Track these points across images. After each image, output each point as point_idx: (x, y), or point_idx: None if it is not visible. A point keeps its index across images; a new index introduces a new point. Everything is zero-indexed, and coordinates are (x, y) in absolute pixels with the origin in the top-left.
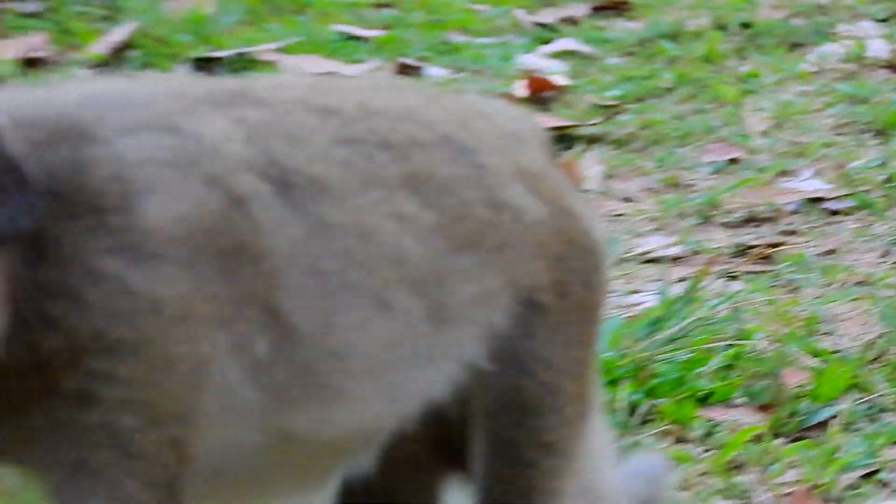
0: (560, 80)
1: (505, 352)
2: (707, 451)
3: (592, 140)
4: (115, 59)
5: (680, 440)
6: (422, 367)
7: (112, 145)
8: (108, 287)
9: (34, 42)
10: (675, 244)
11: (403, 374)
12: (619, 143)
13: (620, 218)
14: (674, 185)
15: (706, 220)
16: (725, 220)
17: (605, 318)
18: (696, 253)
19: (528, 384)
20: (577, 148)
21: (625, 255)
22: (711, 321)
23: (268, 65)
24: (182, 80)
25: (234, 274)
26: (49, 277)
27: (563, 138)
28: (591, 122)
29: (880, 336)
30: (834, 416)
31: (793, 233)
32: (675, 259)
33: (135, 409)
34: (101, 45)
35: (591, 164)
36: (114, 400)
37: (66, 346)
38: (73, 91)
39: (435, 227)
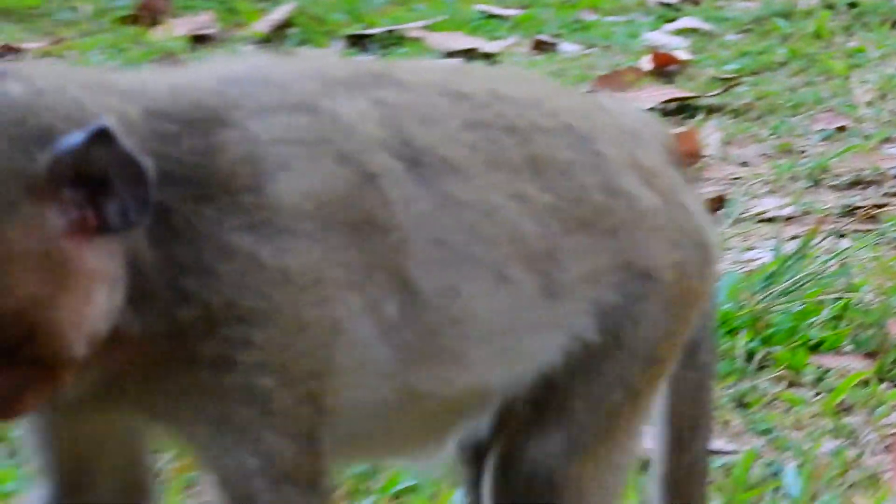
0: (682, 54)
1: (613, 325)
2: (818, 394)
3: (712, 110)
4: (276, 36)
5: (793, 384)
6: (535, 336)
7: (244, 128)
8: (240, 261)
9: (202, 20)
10: (787, 205)
11: (517, 341)
12: (737, 113)
13: (738, 181)
14: (786, 151)
15: (816, 183)
16: (834, 182)
17: (724, 274)
18: (806, 213)
19: (628, 357)
20: (698, 117)
21: (742, 216)
22: (822, 276)
23: (415, 41)
24: (325, 61)
25: (365, 243)
26: (184, 255)
27: (686, 109)
28: (711, 94)
29: None
30: None
31: None
32: (788, 219)
33: (271, 370)
34: (263, 24)
35: (710, 132)
36: (250, 363)
37: (201, 317)
38: (213, 74)
39: (552, 208)
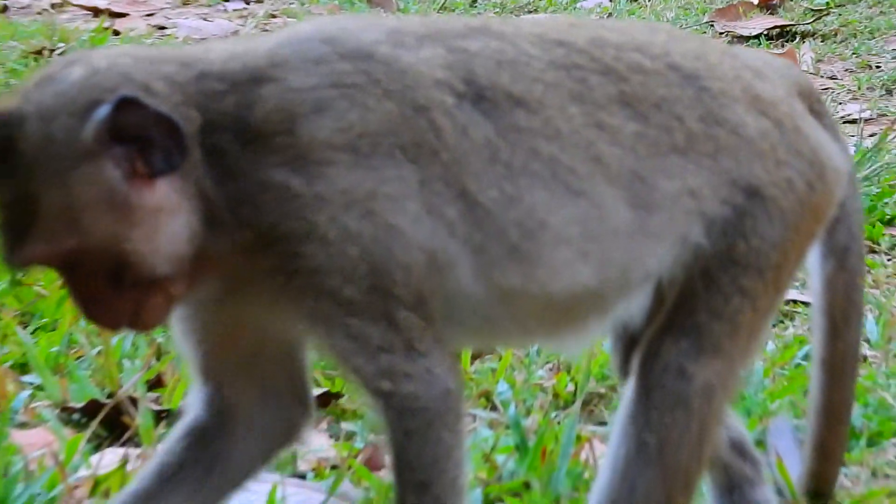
0: None
1: (724, 237)
2: (890, 259)
3: (806, 35)
4: None
5: (871, 251)
6: (634, 244)
7: (283, 81)
8: (275, 192)
9: None
10: (866, 109)
11: (609, 248)
12: (825, 37)
13: (827, 91)
14: (865, 66)
15: (889, 92)
16: None
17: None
18: (882, 115)
19: (742, 267)
20: (795, 41)
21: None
22: (894, 165)
23: None
24: (414, 18)
25: (417, 163)
26: (235, 190)
27: (785, 34)
28: (805, 22)
29: None
30: None
31: None
32: (867, 120)
33: (329, 272)
34: None
35: (805, 53)
36: (306, 269)
37: (255, 238)
38: (278, 38)
39: (637, 135)
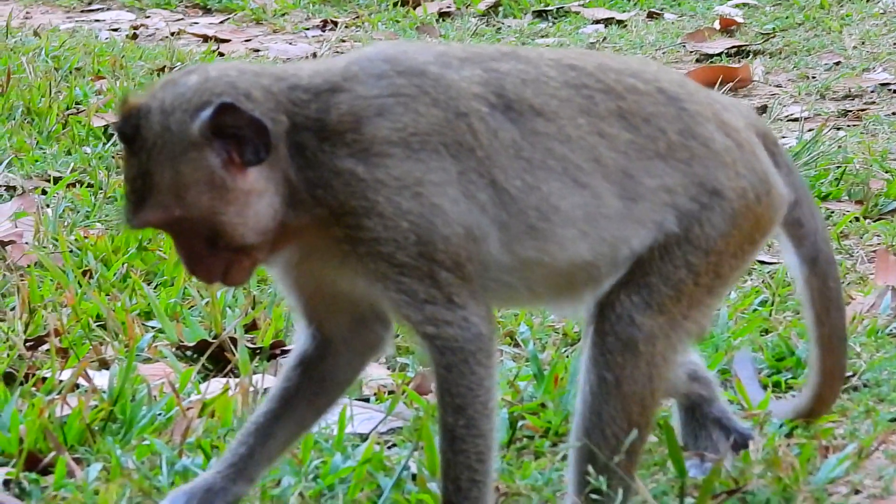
0: (739, 19)
1: (687, 224)
2: (826, 227)
3: (757, 53)
4: (490, 12)
5: None
6: (620, 227)
7: (353, 91)
8: (345, 177)
9: (446, 2)
10: (805, 110)
11: (603, 229)
12: (773, 55)
13: (774, 96)
14: (804, 77)
15: (822, 96)
16: (834, 96)
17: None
18: (817, 115)
19: (692, 247)
20: (749, 58)
21: (777, 117)
22: (827, 153)
23: (575, 14)
24: (457, 45)
25: (456, 157)
26: (313, 175)
27: (741, 52)
28: (757, 43)
29: None
30: None
31: (873, 103)
32: (806, 119)
33: (384, 242)
34: (482, 4)
35: (757, 67)
36: (367, 239)
37: (328, 213)
38: (350, 58)
39: (630, 142)
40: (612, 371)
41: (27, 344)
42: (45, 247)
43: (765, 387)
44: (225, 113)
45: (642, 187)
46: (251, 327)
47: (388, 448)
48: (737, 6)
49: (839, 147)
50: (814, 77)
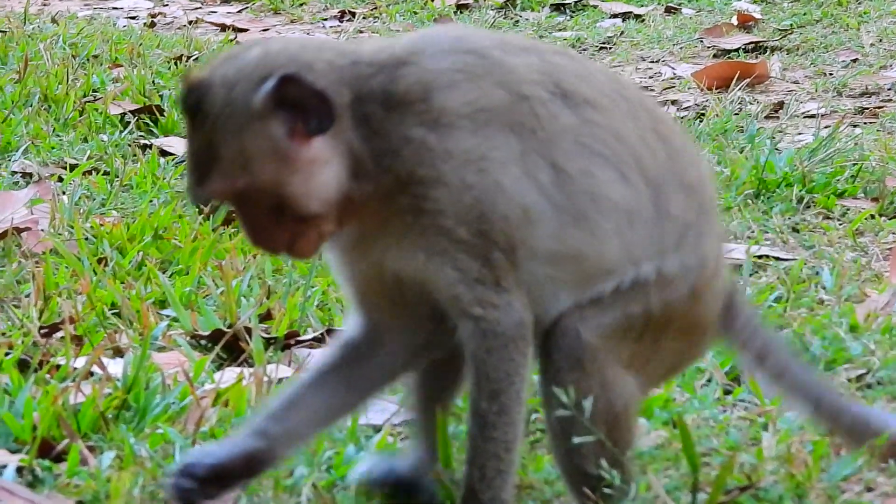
0: (757, 15)
1: (674, 274)
2: (842, 224)
3: (775, 49)
4: (510, 4)
5: (827, 217)
6: (650, 237)
7: (421, 64)
8: (415, 146)
9: None
10: (822, 107)
11: (636, 232)
12: (790, 51)
13: (791, 93)
14: (821, 74)
15: (839, 93)
16: (851, 93)
17: (784, 150)
18: (833, 112)
19: (655, 301)
20: (767, 54)
21: (794, 113)
22: (844, 150)
23: (593, 7)
24: (516, 35)
25: (519, 137)
26: (381, 145)
27: (759, 48)
28: (774, 39)
29: None
30: None
31: (890, 100)
32: (823, 115)
33: (447, 214)
34: None
35: (774, 63)
36: (432, 210)
37: (396, 182)
38: (416, 35)
39: (666, 161)
40: (566, 388)
41: (42, 331)
42: (60, 234)
43: None
44: (288, 83)
45: (670, 208)
46: (266, 317)
47: (402, 440)
48: (755, 2)
49: (855, 144)
50: (831, 74)
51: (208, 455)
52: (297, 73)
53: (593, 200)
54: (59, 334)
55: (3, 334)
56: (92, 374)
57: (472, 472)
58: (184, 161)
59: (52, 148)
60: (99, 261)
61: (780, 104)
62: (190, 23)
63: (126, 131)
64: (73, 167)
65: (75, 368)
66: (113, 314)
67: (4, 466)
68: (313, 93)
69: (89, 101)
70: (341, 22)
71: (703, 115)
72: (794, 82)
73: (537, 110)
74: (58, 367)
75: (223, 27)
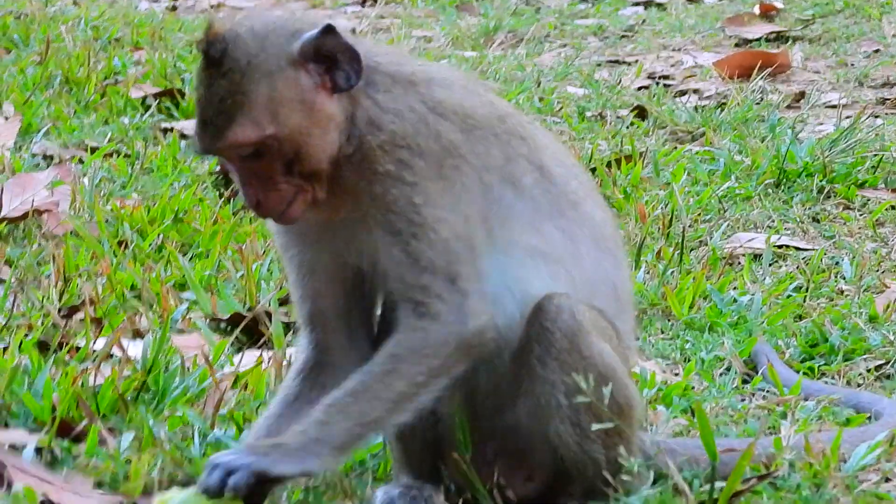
0: (778, 4)
1: None
2: (862, 214)
3: (796, 39)
4: None
5: (847, 208)
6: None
7: (423, 63)
8: (414, 117)
9: None
10: (843, 97)
11: (581, 254)
12: (812, 41)
13: (813, 83)
14: (843, 64)
15: (861, 84)
16: (872, 84)
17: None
18: (855, 102)
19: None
20: (788, 43)
21: (815, 103)
22: (864, 141)
23: None
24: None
25: (506, 144)
26: (376, 112)
27: (781, 38)
28: (796, 29)
29: None
30: None
31: None
32: (844, 106)
33: (419, 191)
34: None
35: (796, 53)
36: (408, 181)
37: (384, 141)
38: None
39: None
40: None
41: (61, 312)
42: (81, 216)
43: (796, 372)
44: (327, 35)
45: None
46: (285, 301)
47: None
48: None
49: (876, 135)
50: (852, 64)
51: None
52: (336, 27)
53: (569, 202)
54: (79, 316)
55: (24, 315)
56: (111, 355)
57: (313, 415)
58: None
59: (73, 130)
60: (119, 243)
61: (802, 94)
62: (212, 6)
63: (147, 114)
64: (93, 150)
65: (95, 350)
66: (133, 296)
67: (24, 446)
68: (346, 48)
69: (110, 84)
70: (363, 7)
71: (724, 104)
72: (816, 72)
73: (520, 127)
74: (77, 348)
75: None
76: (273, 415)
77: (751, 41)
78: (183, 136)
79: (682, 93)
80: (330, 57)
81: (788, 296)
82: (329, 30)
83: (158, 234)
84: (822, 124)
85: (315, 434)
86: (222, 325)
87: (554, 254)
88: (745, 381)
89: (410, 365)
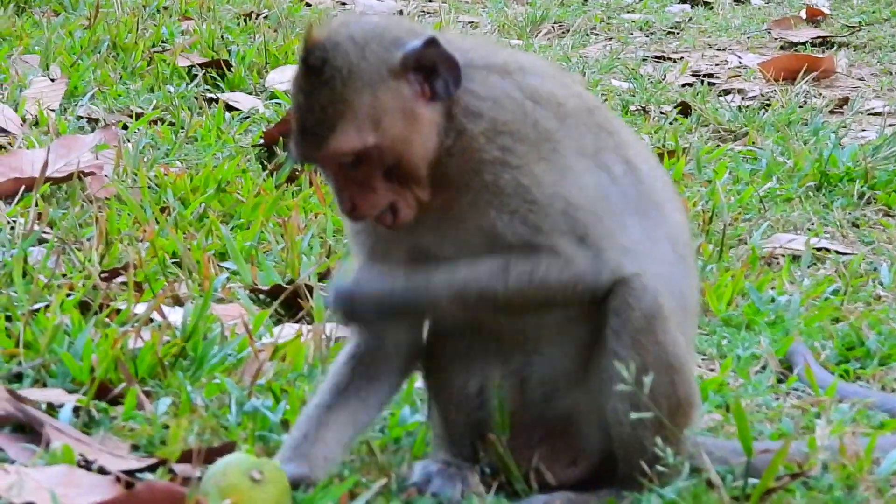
0: (825, 10)
1: None
2: None
3: (842, 45)
4: None
5: (887, 214)
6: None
7: (512, 52)
8: (507, 107)
9: None
10: (887, 105)
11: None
12: (857, 48)
13: (857, 89)
14: (887, 72)
15: None
16: None
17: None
18: None
19: None
20: (834, 49)
21: (859, 110)
22: None
23: None
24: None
25: (596, 136)
26: (472, 104)
27: (826, 43)
28: (842, 35)
29: None
30: None
31: None
32: (888, 114)
33: (526, 172)
34: None
35: (841, 59)
36: (514, 165)
37: (483, 132)
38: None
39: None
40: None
41: (102, 275)
42: (124, 181)
43: (832, 374)
44: (430, 46)
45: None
46: (325, 275)
47: None
48: None
49: None
50: None
51: None
52: (437, 38)
53: (656, 192)
54: (120, 279)
55: (65, 276)
56: (151, 320)
57: (446, 270)
58: (249, 117)
59: (119, 95)
60: (161, 210)
61: (845, 100)
62: None
63: (193, 84)
64: (138, 116)
65: (135, 314)
66: (173, 263)
67: (62, 406)
68: (447, 58)
69: (157, 52)
70: None
71: (768, 105)
72: (860, 79)
73: (608, 118)
74: (118, 311)
75: None
76: (322, 404)
77: (796, 45)
78: (228, 108)
79: (727, 92)
80: (430, 66)
81: (826, 298)
82: (432, 41)
83: (201, 203)
84: (864, 131)
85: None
86: (262, 296)
87: (635, 249)
88: (780, 381)
89: (539, 279)
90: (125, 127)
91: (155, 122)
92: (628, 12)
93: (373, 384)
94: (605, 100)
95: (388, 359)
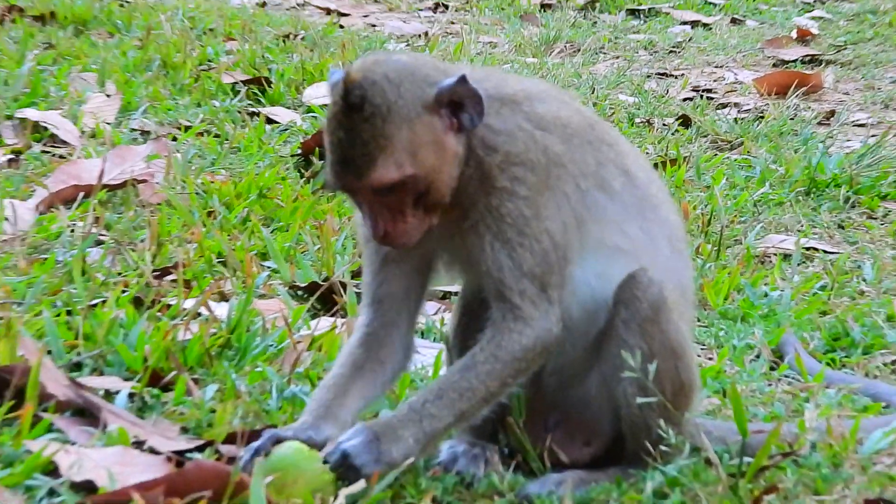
0: (814, 30)
1: None
2: (884, 224)
3: (829, 62)
4: (590, 6)
5: (870, 217)
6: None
7: (519, 78)
8: (523, 134)
9: None
10: (871, 117)
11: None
12: (843, 65)
13: (842, 103)
14: (870, 87)
15: (887, 106)
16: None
17: (834, 154)
18: (880, 122)
19: None
20: (822, 66)
21: (844, 122)
22: (889, 157)
23: (665, 14)
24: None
25: (597, 150)
26: (488, 138)
27: (815, 61)
28: (829, 53)
29: None
30: None
31: None
32: (871, 125)
33: (530, 204)
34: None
35: (828, 75)
36: (521, 195)
37: (501, 160)
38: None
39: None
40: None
41: (154, 273)
42: (174, 187)
43: (820, 363)
44: (461, 83)
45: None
46: (358, 273)
47: None
48: (813, 18)
49: None
50: (879, 88)
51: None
52: (466, 76)
53: (651, 201)
54: (170, 277)
55: (120, 274)
56: (199, 314)
57: (422, 394)
58: (287, 129)
59: (169, 110)
60: (208, 213)
61: (832, 112)
62: (298, 5)
63: (236, 99)
64: (186, 128)
65: (185, 309)
66: (219, 262)
67: (118, 392)
68: (473, 94)
69: (204, 70)
70: (435, 13)
71: (761, 117)
72: (846, 94)
73: (607, 132)
74: (168, 306)
75: (327, 11)
76: (342, 374)
77: (787, 62)
78: (269, 121)
79: (724, 105)
80: (458, 101)
81: (814, 293)
82: (463, 80)
83: (244, 208)
84: (849, 141)
85: (429, 429)
86: (300, 292)
87: (636, 251)
88: (772, 368)
89: (504, 366)
90: (174, 138)
91: (202, 133)
92: (634, 33)
93: (380, 367)
94: (613, 113)
95: (392, 346)
